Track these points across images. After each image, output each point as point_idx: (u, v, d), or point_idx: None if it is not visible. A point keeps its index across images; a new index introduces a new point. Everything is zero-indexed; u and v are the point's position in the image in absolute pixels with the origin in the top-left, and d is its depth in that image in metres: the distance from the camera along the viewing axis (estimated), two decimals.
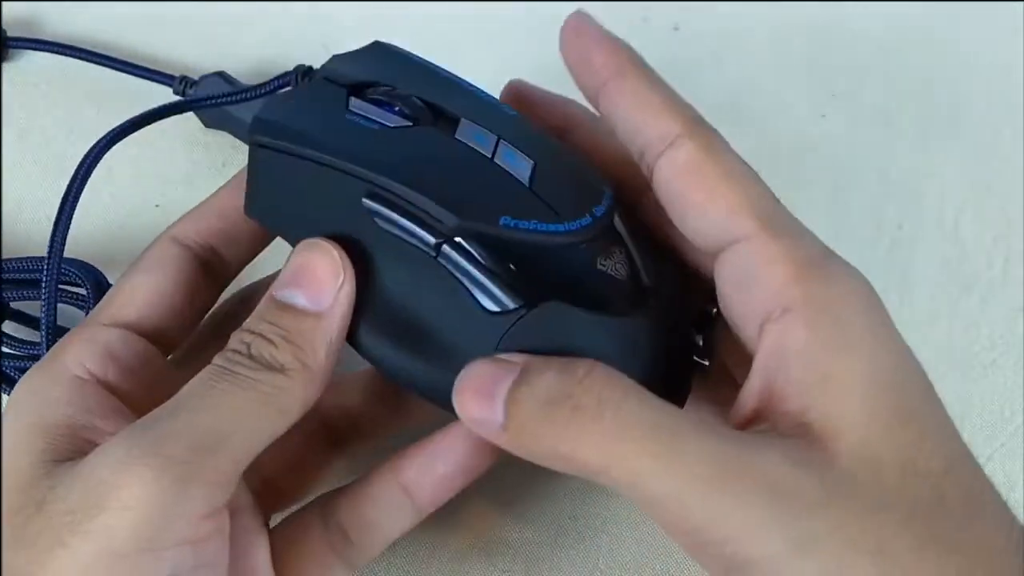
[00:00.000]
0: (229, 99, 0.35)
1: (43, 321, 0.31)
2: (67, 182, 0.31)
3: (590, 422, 0.24)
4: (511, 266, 0.26)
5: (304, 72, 0.30)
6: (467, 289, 0.26)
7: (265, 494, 0.29)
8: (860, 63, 0.44)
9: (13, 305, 0.36)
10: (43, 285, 0.31)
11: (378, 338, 0.27)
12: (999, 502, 0.24)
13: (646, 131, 0.26)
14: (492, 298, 0.26)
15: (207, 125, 0.41)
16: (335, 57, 0.29)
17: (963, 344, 0.38)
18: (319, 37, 0.43)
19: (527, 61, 0.33)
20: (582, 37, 0.27)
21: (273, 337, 0.25)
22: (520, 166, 0.27)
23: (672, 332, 0.28)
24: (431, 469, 0.29)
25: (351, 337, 0.27)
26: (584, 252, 0.27)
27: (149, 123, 0.33)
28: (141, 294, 0.28)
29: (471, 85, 0.29)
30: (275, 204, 0.28)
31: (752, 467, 0.23)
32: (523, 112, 0.30)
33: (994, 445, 0.36)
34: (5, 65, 0.43)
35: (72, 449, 0.25)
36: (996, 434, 0.36)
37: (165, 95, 0.41)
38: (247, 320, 0.26)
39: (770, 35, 0.45)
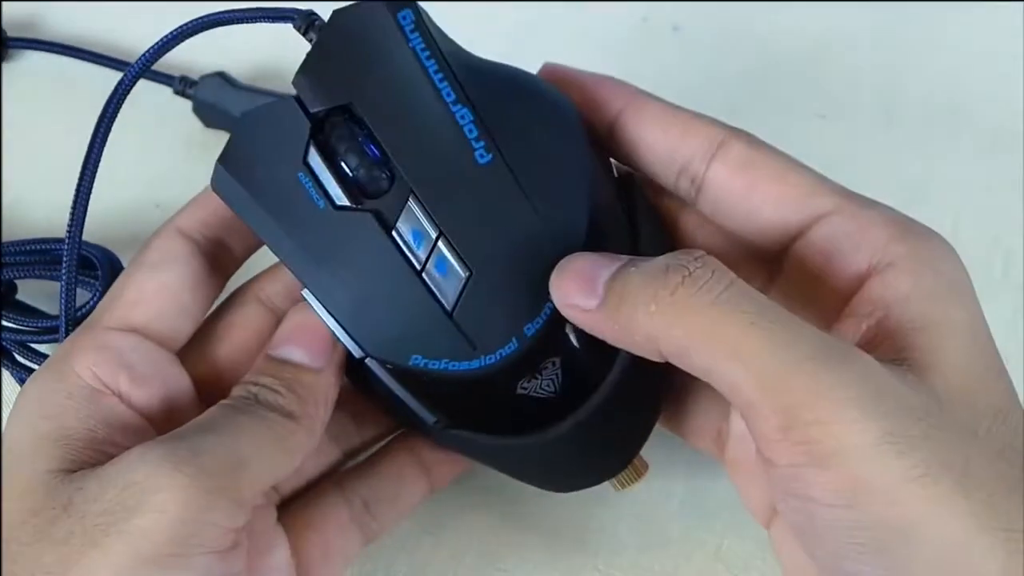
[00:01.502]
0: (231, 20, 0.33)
1: (62, 300, 0.31)
2: (67, 183, 0.31)
3: (703, 293, 0.23)
4: (427, 389, 0.27)
5: (308, 23, 0.29)
6: (392, 395, 0.27)
7: (280, 504, 0.30)
8: (860, 63, 0.44)
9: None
10: (64, 263, 0.30)
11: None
12: None
13: (685, 145, 0.27)
14: (411, 413, 0.27)
15: (207, 125, 0.41)
16: (336, 17, 0.27)
17: None
18: None
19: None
20: (569, 78, 0.28)
21: (277, 387, 0.26)
22: (449, 285, 0.26)
23: (604, 429, 0.28)
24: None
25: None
26: (503, 378, 0.27)
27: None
28: (151, 294, 0.28)
29: (457, 104, 0.26)
30: (248, 219, 0.28)
31: (858, 360, 0.23)
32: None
33: None
34: (5, 65, 0.43)
35: (92, 460, 0.25)
36: None
37: (165, 95, 0.41)
38: (246, 375, 0.27)
39: (770, 35, 0.45)
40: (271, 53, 0.42)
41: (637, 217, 0.29)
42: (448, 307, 0.26)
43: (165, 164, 0.41)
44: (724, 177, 0.27)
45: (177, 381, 0.28)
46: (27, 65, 0.42)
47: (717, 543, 0.34)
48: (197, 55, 0.42)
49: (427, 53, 0.27)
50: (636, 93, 0.29)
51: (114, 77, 0.41)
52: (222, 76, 0.41)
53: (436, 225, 0.26)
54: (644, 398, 0.29)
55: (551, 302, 0.26)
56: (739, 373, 0.22)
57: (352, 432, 0.31)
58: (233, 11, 0.31)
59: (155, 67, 0.41)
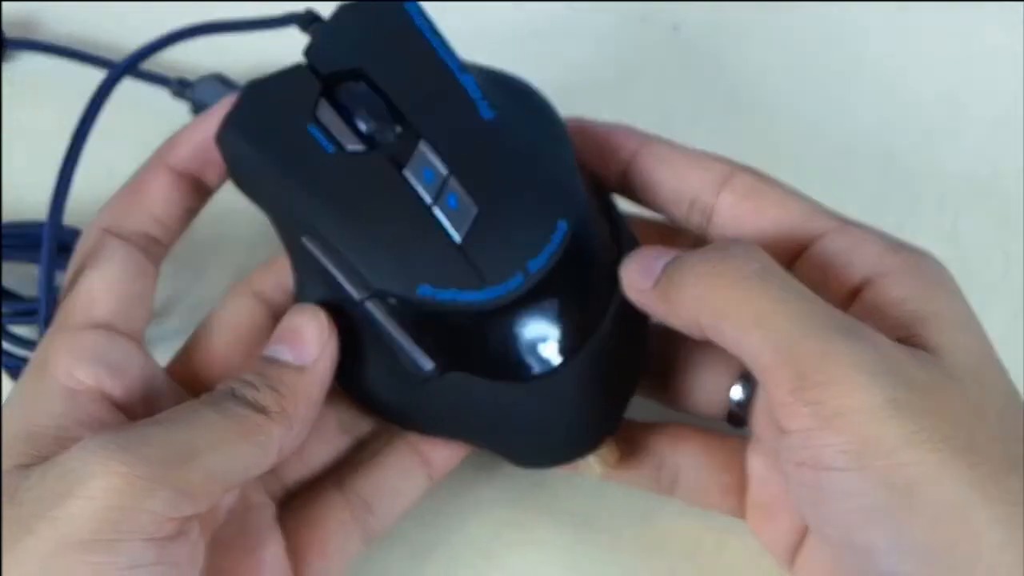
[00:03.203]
0: (242, 27, 0.34)
1: (41, 283, 0.31)
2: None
3: (739, 269, 0.26)
4: (428, 330, 0.28)
5: (311, 20, 0.31)
6: (387, 343, 0.28)
7: (284, 497, 0.31)
8: (860, 63, 0.44)
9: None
10: (43, 247, 0.31)
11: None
12: None
13: (695, 179, 0.29)
14: (408, 357, 0.28)
15: None
16: (344, 8, 0.29)
17: None
18: None
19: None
20: (587, 129, 0.31)
21: (255, 382, 0.27)
22: (460, 217, 0.27)
23: (597, 386, 0.29)
24: None
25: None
26: (508, 313, 0.27)
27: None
28: (102, 292, 0.28)
29: (462, 72, 0.29)
30: (255, 191, 0.29)
31: (871, 334, 0.24)
32: (587, 150, 0.30)
33: None
34: (5, 65, 0.43)
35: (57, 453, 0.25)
36: None
37: (163, 97, 0.41)
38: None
39: (770, 35, 0.45)
40: (268, 54, 0.42)
41: (611, 211, 0.31)
42: (458, 240, 0.27)
43: None
44: (732, 203, 0.29)
45: (150, 370, 0.29)
46: (26, 65, 0.42)
47: (717, 542, 0.34)
48: (194, 57, 0.42)
49: (433, 32, 0.29)
50: (646, 137, 0.31)
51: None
52: (219, 78, 0.41)
53: (447, 164, 0.27)
54: (631, 352, 0.31)
55: (553, 242, 0.28)
56: (760, 340, 0.25)
57: (360, 420, 0.32)
58: (234, 21, 0.32)
59: (152, 69, 0.41)
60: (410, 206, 0.27)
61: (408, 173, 0.27)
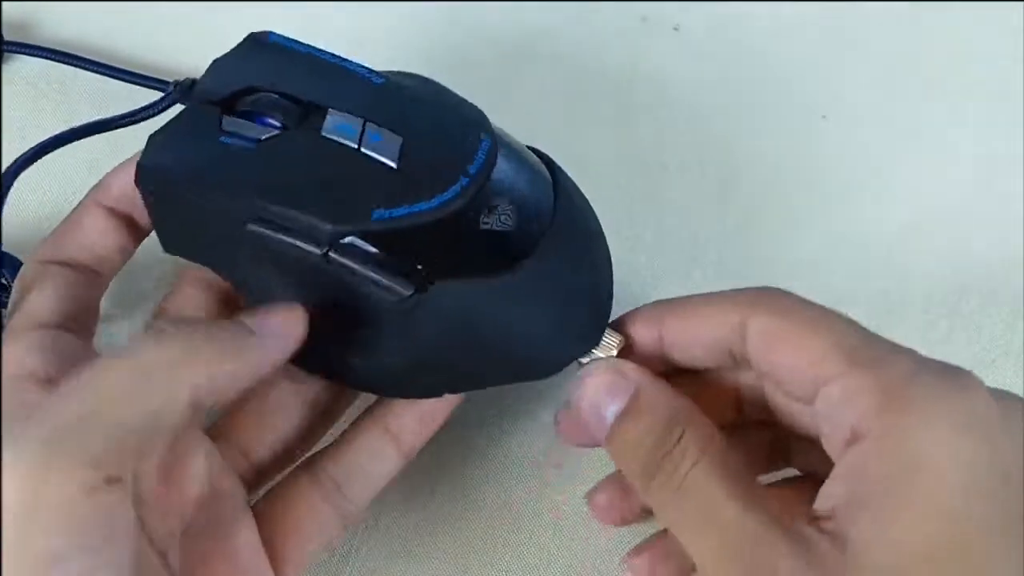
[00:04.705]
0: (118, 123, 0.36)
1: None
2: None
3: (668, 482, 0.27)
4: (397, 254, 0.28)
5: (188, 85, 0.32)
6: (363, 285, 0.28)
7: (254, 478, 0.31)
8: (860, 63, 0.44)
9: None
10: None
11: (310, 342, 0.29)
12: None
13: (716, 333, 0.29)
14: (386, 289, 0.28)
15: None
16: (215, 63, 0.30)
17: (963, 344, 0.38)
18: (317, 38, 0.43)
19: None
20: (628, 319, 0.31)
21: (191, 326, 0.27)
22: (388, 147, 0.29)
23: (575, 262, 0.30)
24: (411, 407, 0.31)
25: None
26: (466, 216, 0.28)
27: (67, 143, 0.35)
28: (44, 303, 0.29)
29: (342, 61, 0.30)
30: (185, 239, 0.30)
31: (768, 560, 0.25)
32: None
33: None
34: (4, 66, 0.42)
35: None
36: None
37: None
38: None
39: (770, 35, 0.44)
40: None
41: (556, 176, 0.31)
42: (394, 166, 0.28)
43: None
44: (753, 355, 0.28)
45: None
46: (24, 66, 0.42)
47: None
48: (191, 58, 0.42)
49: (305, 45, 0.31)
50: (667, 305, 0.31)
51: (109, 81, 0.41)
52: None
53: (358, 116, 0.29)
54: (596, 229, 0.32)
55: (484, 147, 0.29)
56: (694, 553, 0.27)
57: (313, 382, 0.32)
58: (111, 119, 0.35)
59: (150, 72, 0.41)
60: (341, 155, 0.28)
61: (327, 133, 0.28)
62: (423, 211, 0.28)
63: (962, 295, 0.39)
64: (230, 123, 0.29)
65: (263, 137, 0.28)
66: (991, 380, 0.38)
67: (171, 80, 0.40)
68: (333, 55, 0.31)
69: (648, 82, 0.43)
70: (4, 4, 0.43)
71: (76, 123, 0.41)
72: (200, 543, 0.27)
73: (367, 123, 0.29)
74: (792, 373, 0.28)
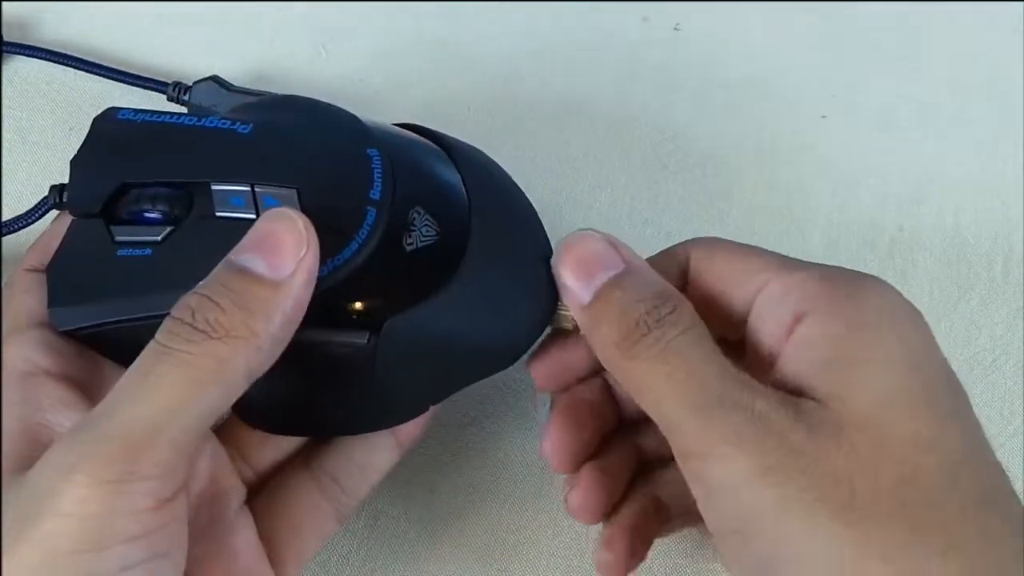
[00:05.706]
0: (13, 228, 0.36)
1: None
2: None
3: (655, 344, 0.26)
4: (341, 307, 0.27)
5: (60, 189, 0.32)
6: (318, 347, 0.27)
7: (254, 478, 0.31)
8: (860, 63, 0.44)
9: None
10: None
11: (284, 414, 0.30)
12: (1012, 498, 0.25)
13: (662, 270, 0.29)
14: (342, 345, 0.28)
15: None
16: (75, 163, 0.29)
17: (963, 345, 0.38)
18: (316, 39, 0.43)
19: None
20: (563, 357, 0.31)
21: (222, 301, 0.25)
22: (289, 205, 0.27)
23: (508, 244, 0.30)
24: None
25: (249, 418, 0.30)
26: (388, 240, 0.28)
27: None
28: (36, 304, 0.29)
29: (199, 120, 0.30)
30: (115, 356, 0.29)
31: (752, 403, 0.25)
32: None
33: (993, 446, 0.35)
34: (4, 66, 0.42)
35: (29, 453, 0.25)
36: (996, 435, 0.36)
37: (160, 102, 0.41)
38: (200, 283, 0.25)
39: (770, 35, 0.44)
40: (267, 55, 0.42)
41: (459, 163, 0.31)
42: None
43: None
44: (695, 270, 0.29)
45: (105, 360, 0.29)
46: (24, 66, 0.42)
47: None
48: (190, 59, 0.42)
49: (153, 113, 0.30)
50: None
51: (108, 83, 0.41)
52: (215, 80, 0.41)
53: (243, 183, 0.28)
54: (527, 209, 0.31)
55: (377, 162, 0.28)
56: (657, 417, 0.26)
57: None
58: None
59: (148, 74, 0.41)
60: (243, 229, 0.26)
61: (221, 213, 0.28)
62: (347, 260, 0.27)
63: (962, 295, 0.39)
64: (121, 232, 0.28)
65: (159, 238, 0.28)
66: (991, 380, 0.38)
67: (169, 81, 0.41)
68: (186, 115, 0.30)
69: (648, 82, 0.43)
70: (4, 4, 0.43)
71: (77, 122, 0.41)
72: (200, 543, 0.27)
73: (255, 187, 0.28)
74: (731, 286, 0.28)
